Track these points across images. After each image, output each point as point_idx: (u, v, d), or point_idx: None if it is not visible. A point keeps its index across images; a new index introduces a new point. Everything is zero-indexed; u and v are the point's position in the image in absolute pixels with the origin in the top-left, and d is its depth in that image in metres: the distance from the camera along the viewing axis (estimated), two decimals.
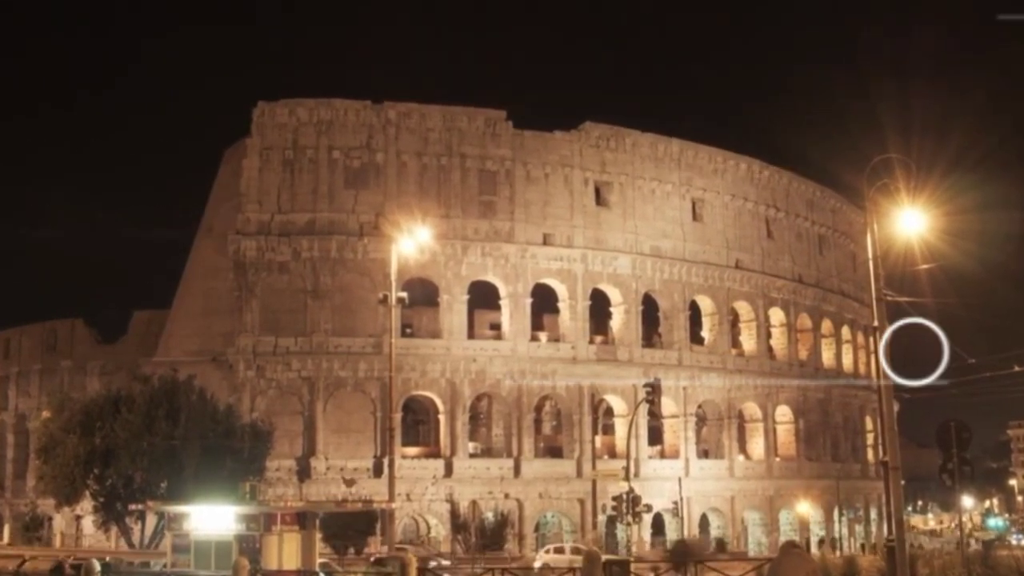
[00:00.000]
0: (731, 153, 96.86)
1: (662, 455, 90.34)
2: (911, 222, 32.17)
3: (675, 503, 77.81)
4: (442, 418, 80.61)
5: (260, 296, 78.83)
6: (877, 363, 33.14)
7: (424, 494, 77.60)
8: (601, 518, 78.77)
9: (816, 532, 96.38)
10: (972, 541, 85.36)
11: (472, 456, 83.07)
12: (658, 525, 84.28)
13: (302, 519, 42.46)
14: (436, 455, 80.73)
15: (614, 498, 63.50)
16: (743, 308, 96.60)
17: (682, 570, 48.92)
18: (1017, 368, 59.20)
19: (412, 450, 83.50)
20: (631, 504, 59.89)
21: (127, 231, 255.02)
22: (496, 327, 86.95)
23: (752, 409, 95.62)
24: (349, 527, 66.76)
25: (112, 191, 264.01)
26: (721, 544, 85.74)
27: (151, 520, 60.05)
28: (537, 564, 62.70)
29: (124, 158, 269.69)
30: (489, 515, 77.09)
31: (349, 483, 74.09)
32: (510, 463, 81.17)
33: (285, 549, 41.25)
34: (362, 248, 79.10)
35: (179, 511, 43.44)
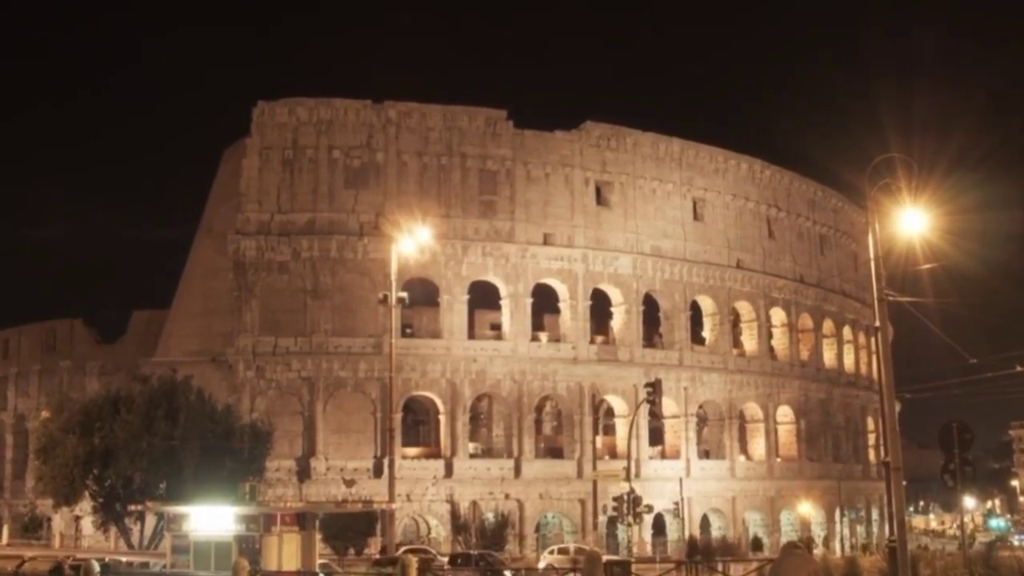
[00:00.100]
0: (732, 153, 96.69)
1: (663, 455, 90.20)
2: (913, 222, 32.11)
3: (676, 504, 77.64)
4: (442, 418, 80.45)
5: (260, 296, 78.68)
6: (879, 363, 33.03)
7: (424, 495, 77.45)
8: (602, 519, 78.66)
9: (818, 533, 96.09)
10: (975, 542, 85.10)
11: (472, 456, 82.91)
12: (659, 526, 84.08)
13: (302, 520, 42.42)
14: (436, 455, 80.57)
15: (615, 499, 63.40)
16: (744, 308, 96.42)
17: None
18: (1019, 368, 59.16)
19: (412, 450, 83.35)
20: (632, 505, 59.78)
21: (126, 231, 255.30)
22: (496, 327, 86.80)
23: (753, 409, 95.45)
24: (349, 528, 66.74)
25: (111, 191, 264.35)
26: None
27: (150, 521, 60.04)
28: (541, 565, 62.52)
29: (123, 158, 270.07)
30: (490, 516, 76.96)
31: (349, 484, 74.00)
32: (510, 464, 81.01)
33: (285, 550, 41.19)
34: (362, 248, 78.94)
35: (178, 512, 43.37)
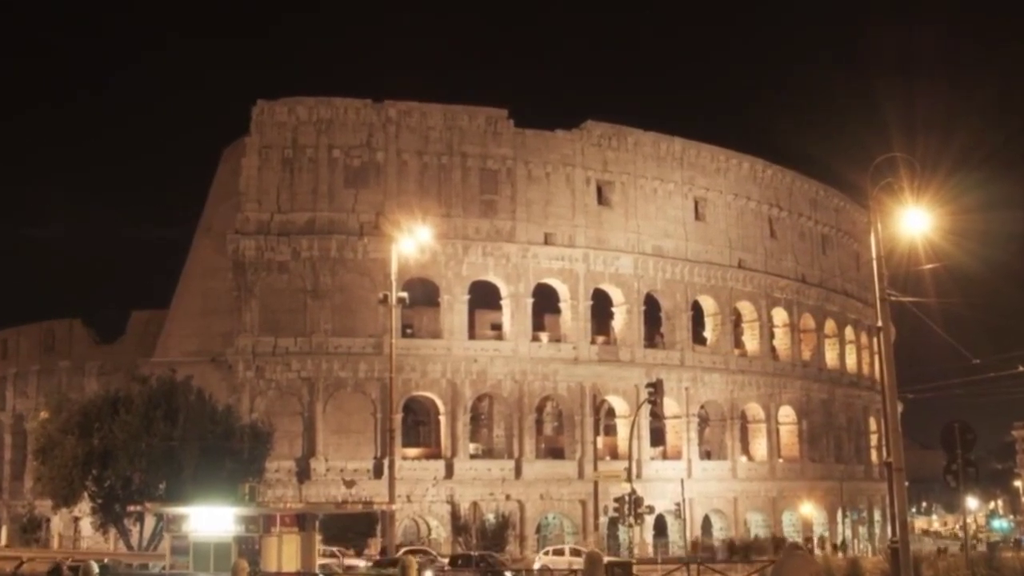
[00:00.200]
0: (734, 152, 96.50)
1: (664, 456, 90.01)
2: (915, 221, 32.03)
3: (677, 504, 77.25)
4: (443, 419, 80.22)
5: (259, 296, 78.46)
6: (881, 364, 32.87)
7: (425, 495, 77.24)
8: (603, 520, 78.51)
9: (819, 533, 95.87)
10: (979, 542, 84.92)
11: (473, 457, 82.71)
12: (660, 527, 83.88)
13: (302, 521, 42.47)
14: (437, 456, 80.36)
15: (616, 499, 63.11)
16: (746, 308, 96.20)
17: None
18: (1021, 368, 58.90)
19: (412, 451, 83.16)
20: (633, 506, 59.46)
21: (125, 230, 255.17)
22: (497, 327, 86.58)
23: (755, 410, 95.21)
24: (349, 529, 66.63)
25: (110, 190, 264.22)
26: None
27: (150, 521, 59.92)
28: (536, 565, 62.40)
29: (123, 157, 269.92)
30: (490, 517, 76.80)
31: (349, 484, 73.84)
32: (511, 464, 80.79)
33: (284, 551, 41.25)
34: (362, 248, 78.72)
35: (178, 513, 43.39)
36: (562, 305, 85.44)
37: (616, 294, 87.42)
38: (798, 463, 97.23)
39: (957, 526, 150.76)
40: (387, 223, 72.28)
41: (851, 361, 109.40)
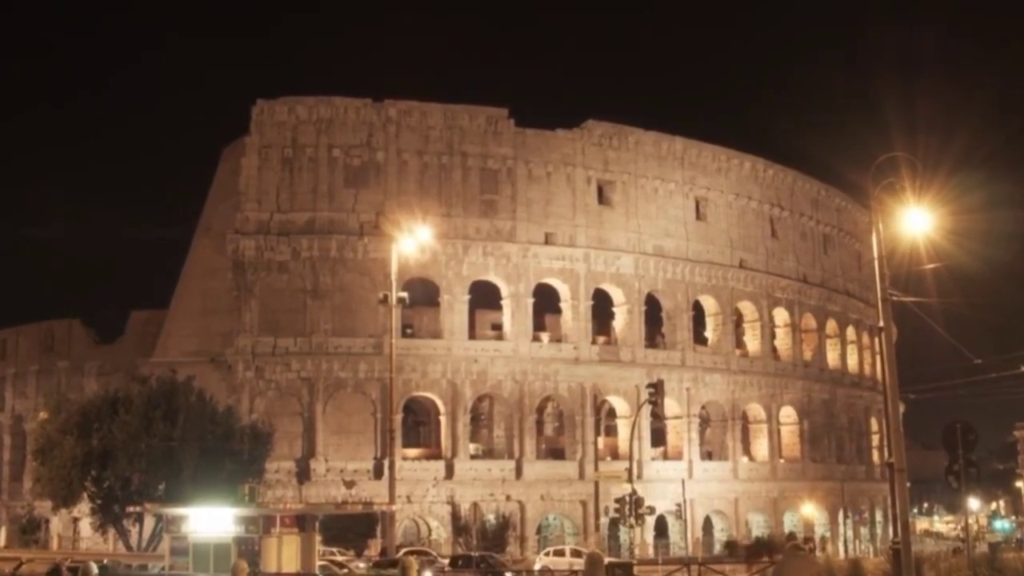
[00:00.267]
0: (735, 152, 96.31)
1: (665, 457, 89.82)
2: (917, 221, 31.94)
3: (678, 505, 77.07)
4: (443, 419, 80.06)
5: (259, 296, 78.30)
6: (883, 364, 32.73)
7: (425, 496, 77.07)
8: (604, 520, 78.36)
9: (819, 534, 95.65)
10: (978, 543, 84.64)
11: (473, 458, 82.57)
12: (661, 527, 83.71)
13: (301, 521, 42.30)
14: (437, 457, 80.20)
15: (617, 500, 62.92)
16: (747, 308, 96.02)
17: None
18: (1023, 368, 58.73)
19: (413, 452, 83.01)
20: (634, 506, 59.27)
21: (125, 230, 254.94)
22: (497, 327, 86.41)
23: (756, 410, 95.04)
24: (349, 530, 66.51)
25: (110, 190, 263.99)
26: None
27: (149, 522, 59.78)
28: (537, 566, 62.24)
29: (122, 157, 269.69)
30: (491, 517, 76.66)
31: (349, 485, 73.70)
32: (512, 465, 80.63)
33: (284, 552, 41.09)
34: (362, 248, 78.56)
35: (177, 513, 43.27)
36: (563, 305, 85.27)
37: (617, 294, 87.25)
38: (799, 464, 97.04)
39: (959, 527, 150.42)
40: (387, 223, 72.14)
41: (853, 361, 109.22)
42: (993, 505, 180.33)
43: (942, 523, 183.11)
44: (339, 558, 57.61)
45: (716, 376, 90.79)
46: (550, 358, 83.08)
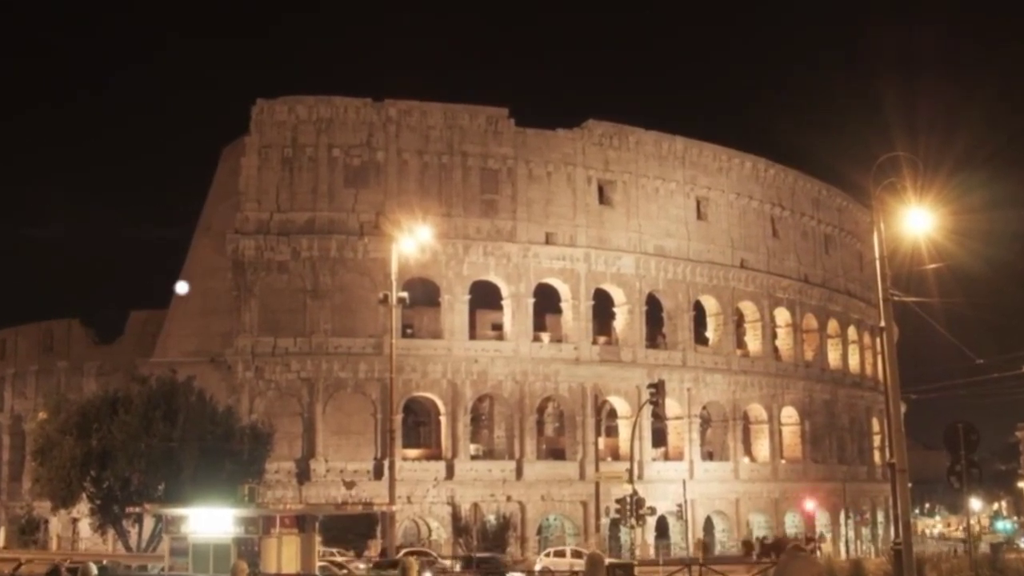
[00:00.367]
0: (736, 151, 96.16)
1: (666, 457, 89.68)
2: (918, 221, 31.90)
3: (679, 506, 76.99)
4: (443, 420, 79.92)
5: (259, 296, 78.17)
6: (884, 364, 32.62)
7: (425, 496, 76.92)
8: (604, 521, 78.24)
9: (820, 535, 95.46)
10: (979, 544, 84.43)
11: (474, 458, 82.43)
12: (662, 528, 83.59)
13: (301, 522, 42.18)
14: (437, 457, 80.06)
15: (617, 501, 62.73)
16: (748, 308, 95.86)
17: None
18: None
19: (413, 452, 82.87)
20: (635, 507, 59.09)
21: (124, 230, 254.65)
22: (498, 327, 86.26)
23: (757, 410, 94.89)
24: (349, 530, 66.36)
25: (109, 190, 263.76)
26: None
27: (149, 523, 59.71)
28: (538, 567, 62.09)
29: (122, 157, 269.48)
30: (491, 518, 76.49)
31: (349, 486, 73.58)
32: (512, 465, 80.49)
33: (284, 552, 40.98)
34: (362, 247, 78.43)
35: (177, 514, 43.15)
36: (563, 305, 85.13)
37: (618, 294, 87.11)
38: (800, 464, 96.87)
39: (960, 527, 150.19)
40: (387, 223, 72.02)
41: (854, 361, 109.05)
42: (995, 506, 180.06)
43: (943, 524, 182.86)
44: (339, 559, 57.47)
45: (717, 376, 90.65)
46: (551, 358, 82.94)
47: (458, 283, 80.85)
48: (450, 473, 78.18)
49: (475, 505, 77.48)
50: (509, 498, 79.12)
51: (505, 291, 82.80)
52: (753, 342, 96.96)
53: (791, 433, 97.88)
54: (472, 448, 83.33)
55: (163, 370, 68.09)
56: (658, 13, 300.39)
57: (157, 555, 50.71)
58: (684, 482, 79.01)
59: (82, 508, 64.79)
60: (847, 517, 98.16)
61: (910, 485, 32.35)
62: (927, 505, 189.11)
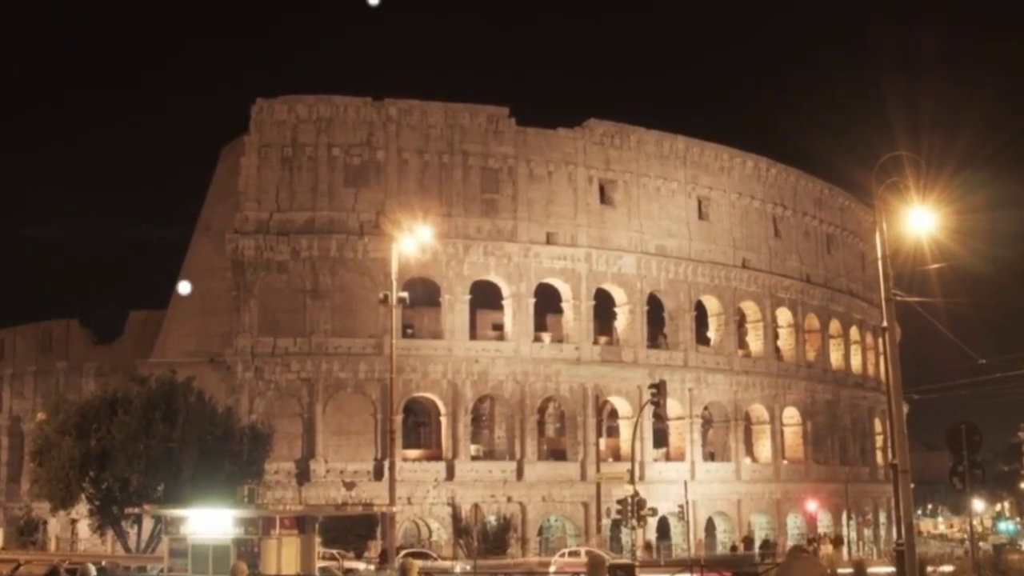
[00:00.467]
0: (738, 151, 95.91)
1: (667, 458, 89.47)
2: (921, 221, 31.78)
3: (681, 506, 76.75)
4: (443, 420, 79.71)
5: (258, 296, 77.96)
6: (887, 364, 32.46)
7: (425, 497, 76.71)
8: (605, 522, 78.07)
9: (823, 532, 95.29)
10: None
11: (474, 459, 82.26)
12: (663, 529, 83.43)
13: (301, 523, 42.08)
14: (437, 458, 79.86)
15: (619, 501, 62.52)
16: (750, 308, 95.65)
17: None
18: None
19: (413, 452, 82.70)
20: (636, 507, 58.88)
21: (123, 230, 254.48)
22: (498, 327, 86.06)
23: (759, 411, 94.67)
24: (349, 531, 66.25)
25: (108, 190, 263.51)
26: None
27: (148, 524, 59.71)
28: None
29: (121, 157, 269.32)
30: (492, 519, 76.28)
31: (349, 486, 73.36)
32: (513, 466, 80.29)
33: (284, 553, 40.86)
34: (362, 247, 78.23)
35: (176, 515, 43.04)
36: (564, 305, 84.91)
37: (619, 294, 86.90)
38: (802, 465, 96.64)
39: (963, 528, 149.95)
40: (387, 222, 71.79)
41: (856, 362, 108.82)
42: (998, 507, 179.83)
43: (945, 525, 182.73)
44: (338, 562, 57.30)
45: (719, 377, 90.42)
46: (551, 358, 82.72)
47: (458, 283, 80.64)
48: (450, 474, 77.98)
49: (476, 506, 76.96)
50: (510, 499, 78.93)
51: (506, 291, 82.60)
52: (755, 342, 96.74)
53: (793, 434, 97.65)
54: (473, 449, 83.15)
55: (162, 370, 67.98)
56: (658, 13, 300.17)
57: (156, 556, 50.70)
58: (685, 483, 78.76)
59: (81, 509, 64.79)
60: (849, 518, 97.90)
61: (912, 486, 32.18)
62: (929, 506, 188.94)
